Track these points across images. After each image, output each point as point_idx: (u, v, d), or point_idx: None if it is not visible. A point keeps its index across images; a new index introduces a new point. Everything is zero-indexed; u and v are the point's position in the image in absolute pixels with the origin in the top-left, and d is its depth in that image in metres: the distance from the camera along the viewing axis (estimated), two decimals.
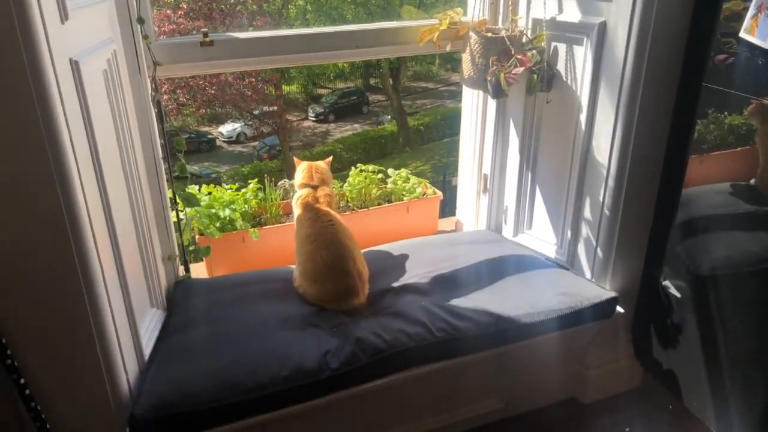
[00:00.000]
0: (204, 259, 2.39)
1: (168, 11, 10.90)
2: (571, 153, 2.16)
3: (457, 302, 2.00)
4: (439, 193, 2.73)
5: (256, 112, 14.59)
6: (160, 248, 2.06)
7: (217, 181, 14.35)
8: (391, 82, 17.83)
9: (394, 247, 2.44)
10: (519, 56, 2.02)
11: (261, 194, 2.61)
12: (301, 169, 2.29)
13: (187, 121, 14.64)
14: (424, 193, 2.71)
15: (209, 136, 16.79)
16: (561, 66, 2.13)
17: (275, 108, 14.73)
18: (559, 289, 2.09)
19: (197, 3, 10.87)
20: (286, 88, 17.51)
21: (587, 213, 2.17)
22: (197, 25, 10.26)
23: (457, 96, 20.83)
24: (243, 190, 2.60)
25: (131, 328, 1.66)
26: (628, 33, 1.82)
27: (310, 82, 19.70)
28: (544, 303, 2.01)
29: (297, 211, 2.20)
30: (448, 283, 2.16)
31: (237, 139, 16.87)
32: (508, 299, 2.03)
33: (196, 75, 10.82)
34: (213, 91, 11.33)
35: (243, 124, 16.56)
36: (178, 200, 2.10)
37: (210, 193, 2.49)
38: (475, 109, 2.49)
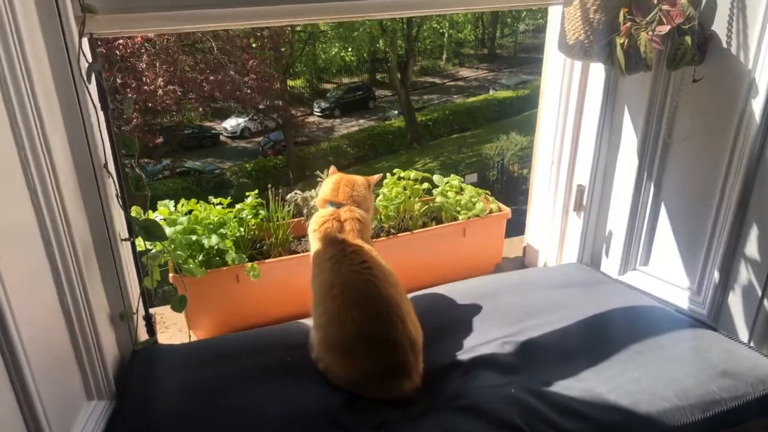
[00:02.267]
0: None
1: None
2: (728, 158, 1.48)
3: (563, 388, 1.37)
4: (507, 210, 2.00)
5: (261, 107, 13.89)
6: (106, 303, 1.35)
7: (221, 178, 13.80)
8: (399, 76, 17.15)
9: (451, 291, 1.72)
10: (665, 6, 1.30)
11: (263, 211, 1.88)
12: (329, 180, 1.58)
13: (190, 116, 13.92)
14: (487, 210, 1.97)
15: (212, 132, 16.30)
16: (720, 26, 1.41)
17: (280, 102, 14.00)
18: (713, 364, 1.42)
19: None
20: (290, 83, 16.88)
21: (751, 248, 1.47)
22: None
23: (465, 92, 20.28)
24: (238, 206, 1.87)
25: None
26: None
27: (315, 77, 19.11)
28: (696, 391, 1.31)
29: (314, 243, 1.47)
30: (542, 353, 1.48)
31: (241, 135, 16.40)
32: (642, 383, 1.36)
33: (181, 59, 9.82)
34: (207, 87, 10.42)
35: (247, 119, 16.03)
36: (138, 229, 1.37)
37: (191, 212, 1.76)
38: (566, 89, 1.74)
